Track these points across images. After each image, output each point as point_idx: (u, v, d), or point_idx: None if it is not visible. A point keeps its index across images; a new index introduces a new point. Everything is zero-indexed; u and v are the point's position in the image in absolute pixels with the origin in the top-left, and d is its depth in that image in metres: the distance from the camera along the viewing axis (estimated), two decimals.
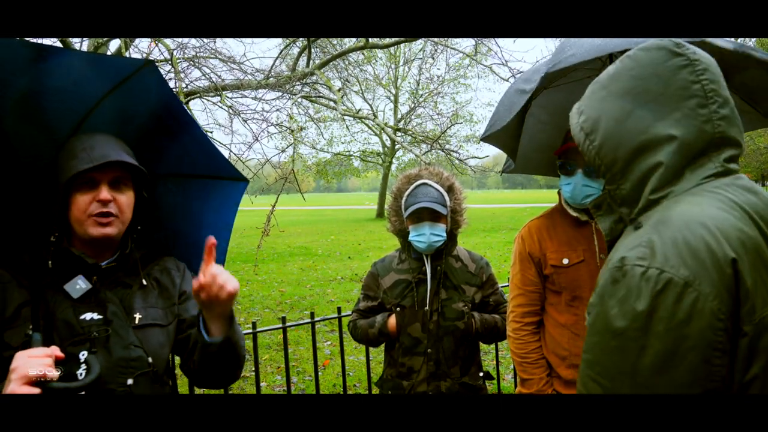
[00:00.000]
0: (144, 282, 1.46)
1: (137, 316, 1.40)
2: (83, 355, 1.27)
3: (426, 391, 2.11)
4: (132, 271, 1.45)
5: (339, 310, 2.90)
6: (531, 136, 2.22)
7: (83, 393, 1.20)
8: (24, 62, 1.26)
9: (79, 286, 1.34)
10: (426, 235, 2.08)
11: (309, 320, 2.76)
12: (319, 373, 4.37)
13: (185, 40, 5.63)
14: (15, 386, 1.12)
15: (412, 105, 16.90)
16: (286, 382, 2.67)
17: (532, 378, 1.98)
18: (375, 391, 2.38)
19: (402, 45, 15.31)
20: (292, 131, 5.16)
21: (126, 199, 1.38)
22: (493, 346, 4.05)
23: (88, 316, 1.33)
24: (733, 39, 1.56)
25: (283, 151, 5.57)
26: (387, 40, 6.68)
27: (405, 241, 2.20)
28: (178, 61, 5.45)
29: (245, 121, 5.84)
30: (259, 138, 5.48)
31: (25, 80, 1.30)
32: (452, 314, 2.13)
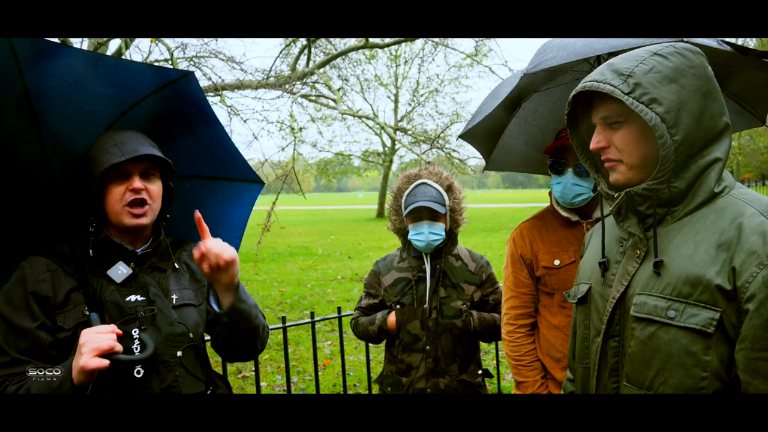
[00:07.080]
0: (176, 266, 1.56)
1: (174, 297, 1.50)
2: (135, 332, 1.39)
3: (424, 387, 2.12)
4: (165, 256, 1.55)
5: (339, 309, 2.90)
6: (517, 136, 2.22)
7: (140, 365, 1.36)
8: (79, 67, 1.35)
9: (120, 271, 1.44)
10: (425, 234, 2.09)
11: (309, 320, 2.76)
12: (319, 373, 4.37)
13: (185, 39, 5.64)
14: (87, 358, 1.21)
15: (413, 104, 16.87)
16: (286, 381, 2.67)
17: (527, 381, 1.96)
18: (375, 390, 2.38)
19: (403, 44, 15.29)
20: (293, 129, 5.16)
21: (156, 188, 1.48)
22: (493, 345, 4.06)
23: (132, 298, 1.43)
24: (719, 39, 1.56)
25: (282, 149, 5.57)
26: (387, 40, 6.68)
27: (405, 239, 2.21)
28: (178, 60, 5.45)
29: (245, 121, 5.84)
30: (258, 137, 5.48)
31: (73, 84, 1.38)
32: (450, 312, 2.14)
